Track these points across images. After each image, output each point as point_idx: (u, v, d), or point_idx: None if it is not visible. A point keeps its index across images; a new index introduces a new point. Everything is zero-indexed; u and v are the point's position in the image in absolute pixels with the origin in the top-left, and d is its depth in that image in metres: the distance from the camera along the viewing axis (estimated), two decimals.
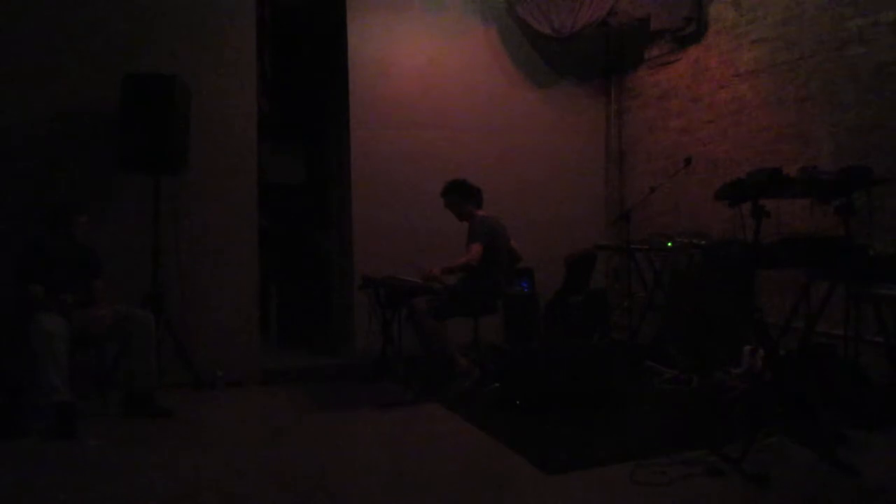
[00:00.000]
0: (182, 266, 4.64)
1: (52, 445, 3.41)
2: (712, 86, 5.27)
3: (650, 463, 2.98)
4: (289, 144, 7.26)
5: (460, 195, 4.64)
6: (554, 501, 2.78)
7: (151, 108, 4.13)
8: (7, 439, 3.47)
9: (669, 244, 4.86)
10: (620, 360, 4.79)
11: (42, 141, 4.37)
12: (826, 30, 4.36)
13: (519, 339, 5.45)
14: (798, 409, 3.28)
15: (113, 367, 4.07)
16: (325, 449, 3.49)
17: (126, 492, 2.88)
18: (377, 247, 5.38)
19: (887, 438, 3.27)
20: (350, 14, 5.42)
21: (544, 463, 3.07)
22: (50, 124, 4.38)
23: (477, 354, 4.61)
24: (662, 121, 5.82)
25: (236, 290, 4.81)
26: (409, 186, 5.54)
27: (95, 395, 4.09)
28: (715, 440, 3.15)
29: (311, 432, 3.75)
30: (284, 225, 6.95)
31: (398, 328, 4.66)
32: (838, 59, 4.29)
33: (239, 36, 4.85)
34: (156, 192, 4.39)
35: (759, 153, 4.83)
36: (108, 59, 4.44)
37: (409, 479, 3.05)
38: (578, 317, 5.43)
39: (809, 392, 3.41)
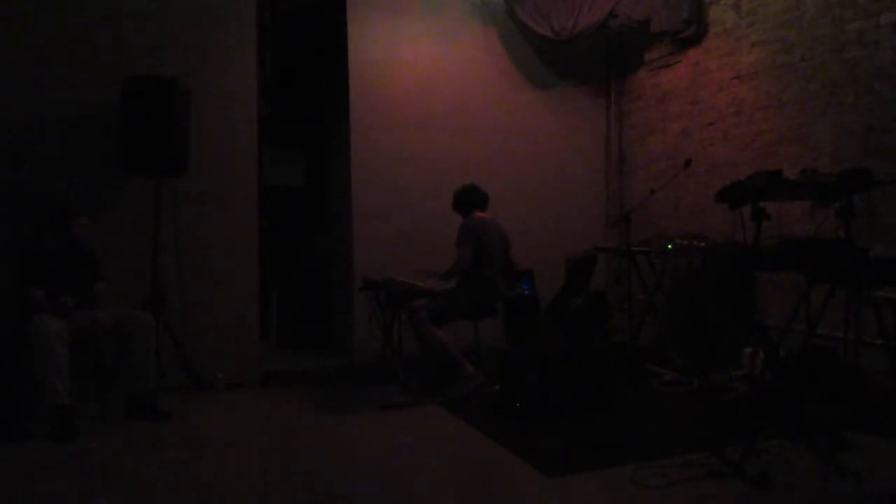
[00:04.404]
0: (182, 268, 4.65)
1: (52, 448, 3.41)
2: (712, 88, 5.28)
3: (650, 465, 2.98)
4: (289, 147, 7.27)
5: (462, 200, 4.66)
6: (554, 503, 2.78)
7: (152, 110, 4.13)
8: (7, 442, 3.47)
9: (670, 246, 4.86)
10: (620, 362, 4.81)
11: (42, 143, 4.37)
12: (826, 32, 4.37)
13: (519, 341, 5.45)
14: (798, 411, 3.28)
15: (113, 370, 4.06)
16: (325, 450, 3.49)
17: (126, 494, 2.88)
18: (377, 249, 5.39)
19: (888, 441, 3.27)
20: (350, 16, 5.43)
21: (544, 465, 3.07)
22: (50, 126, 4.38)
23: (477, 357, 4.61)
24: (662, 123, 5.82)
25: (236, 292, 4.80)
26: (409, 188, 5.54)
27: (96, 397, 4.09)
28: (715, 442, 3.14)
29: (311, 434, 3.75)
30: (284, 227, 6.96)
31: (398, 330, 4.67)
32: (838, 61, 4.30)
33: (239, 38, 4.85)
34: (156, 194, 4.39)
35: (760, 155, 4.83)
36: (109, 61, 4.45)
37: (408, 481, 3.05)
38: (579, 319, 5.43)
39: (810, 394, 3.41)
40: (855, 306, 3.51)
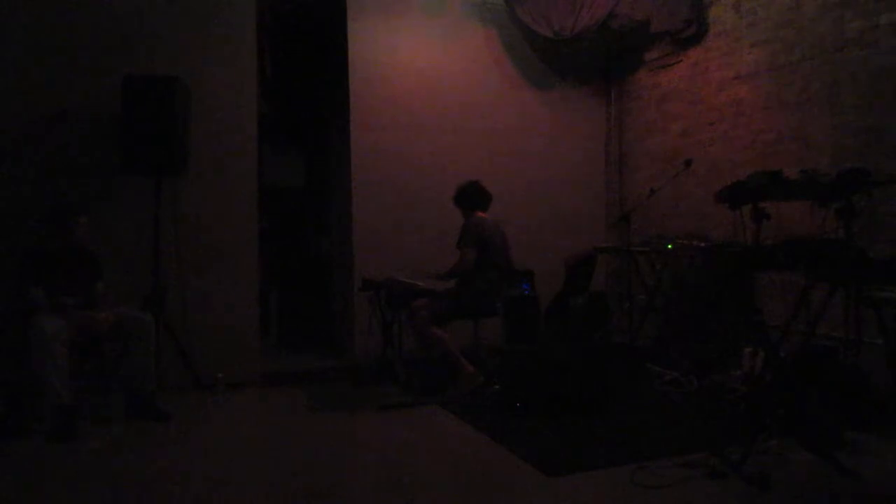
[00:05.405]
0: (182, 268, 4.65)
1: (52, 448, 3.41)
2: (712, 88, 5.28)
3: (650, 465, 2.98)
4: (289, 147, 7.28)
5: (466, 198, 4.66)
6: (554, 503, 2.78)
7: (152, 109, 4.14)
8: (8, 441, 3.47)
9: (669, 246, 4.86)
10: (621, 361, 4.80)
11: (42, 142, 4.37)
12: (826, 32, 4.37)
13: (519, 341, 5.45)
14: (798, 411, 3.28)
15: (113, 370, 4.07)
16: (325, 451, 3.49)
17: (126, 494, 2.88)
18: (377, 249, 5.39)
19: (887, 441, 3.27)
20: (350, 16, 5.43)
21: (544, 465, 3.07)
22: (50, 126, 4.38)
23: (477, 356, 4.61)
24: (662, 123, 5.82)
25: (236, 291, 4.81)
26: (409, 188, 5.54)
27: (96, 397, 4.09)
28: (715, 442, 3.15)
29: (311, 434, 3.75)
30: (285, 227, 6.96)
31: (398, 330, 4.67)
32: (838, 61, 4.30)
33: (239, 38, 4.85)
34: (156, 193, 4.40)
35: (760, 155, 4.83)
36: (109, 61, 4.45)
37: (408, 481, 3.05)
38: (579, 319, 5.43)
39: (809, 394, 3.40)
40: (855, 306, 3.51)
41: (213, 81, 4.74)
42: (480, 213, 4.63)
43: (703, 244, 4.67)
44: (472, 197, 4.64)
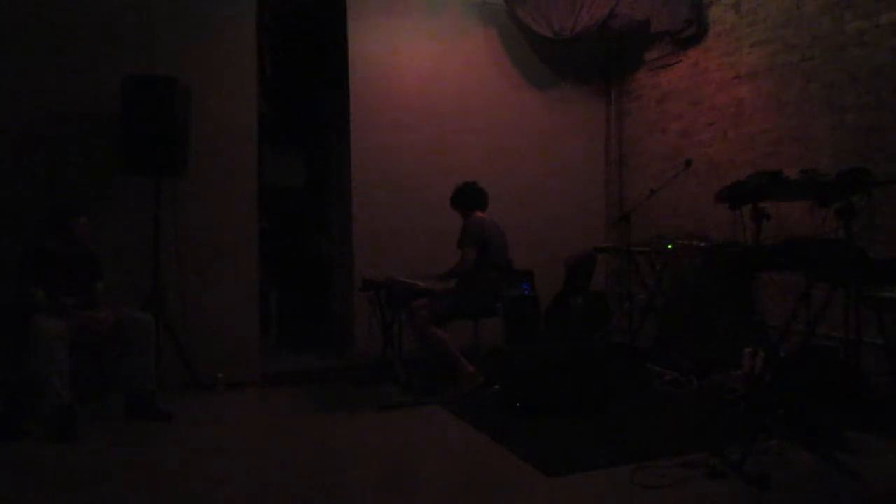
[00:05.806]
0: (182, 268, 4.64)
1: (52, 448, 3.41)
2: (712, 88, 5.28)
3: (650, 465, 2.98)
4: (289, 147, 7.27)
5: (463, 199, 4.65)
6: (554, 503, 2.78)
7: (152, 109, 4.14)
8: (7, 442, 3.47)
9: (669, 246, 4.86)
10: (621, 361, 4.80)
11: (42, 142, 4.37)
12: (826, 32, 4.37)
13: (519, 341, 5.45)
14: (798, 411, 3.28)
15: (113, 370, 4.07)
16: (325, 451, 3.50)
17: (126, 494, 2.88)
18: (377, 249, 5.39)
19: (887, 441, 3.27)
20: (350, 16, 5.42)
21: (544, 465, 3.07)
22: (50, 126, 4.38)
23: (477, 356, 4.61)
24: (662, 123, 5.82)
25: (237, 291, 4.81)
26: (409, 188, 5.54)
27: (96, 397, 4.09)
28: (715, 442, 3.14)
29: (311, 434, 3.75)
30: (285, 227, 6.96)
31: (398, 330, 4.67)
32: (838, 61, 4.30)
33: (239, 38, 4.85)
34: (156, 193, 4.39)
35: (760, 155, 4.83)
36: (109, 61, 4.45)
37: (408, 481, 3.05)
38: (579, 319, 5.42)
39: (810, 394, 3.41)
40: (855, 306, 3.51)
41: (212, 81, 4.74)
42: (479, 214, 4.63)
43: (703, 244, 4.67)
44: (469, 197, 4.65)
